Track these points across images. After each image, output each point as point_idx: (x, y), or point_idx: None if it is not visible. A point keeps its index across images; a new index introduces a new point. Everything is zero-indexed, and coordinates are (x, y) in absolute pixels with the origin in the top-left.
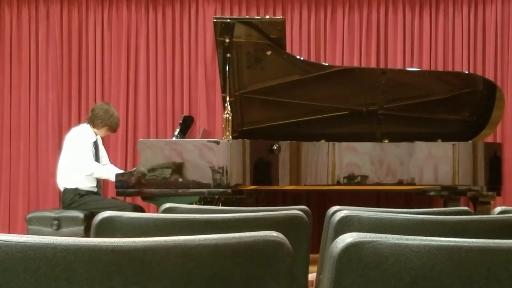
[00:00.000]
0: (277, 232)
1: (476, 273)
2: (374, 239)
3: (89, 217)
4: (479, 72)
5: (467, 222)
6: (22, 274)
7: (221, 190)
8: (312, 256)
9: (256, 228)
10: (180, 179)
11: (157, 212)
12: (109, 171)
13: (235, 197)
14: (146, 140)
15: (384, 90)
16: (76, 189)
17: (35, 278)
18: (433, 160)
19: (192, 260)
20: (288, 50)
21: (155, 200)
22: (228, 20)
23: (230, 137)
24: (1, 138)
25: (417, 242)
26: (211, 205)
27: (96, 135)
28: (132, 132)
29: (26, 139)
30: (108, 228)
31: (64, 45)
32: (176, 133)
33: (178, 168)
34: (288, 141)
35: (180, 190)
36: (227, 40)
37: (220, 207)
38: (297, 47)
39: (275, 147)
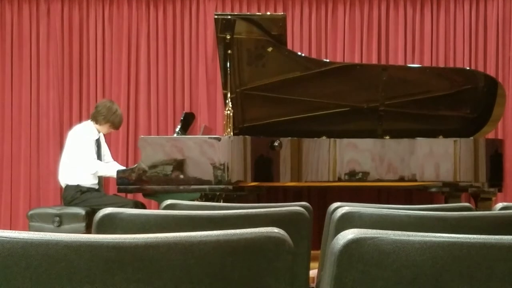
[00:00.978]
0: (278, 229)
1: (478, 270)
2: (375, 235)
3: (91, 213)
4: (480, 69)
5: (468, 219)
6: (23, 270)
7: (222, 186)
8: (313, 252)
9: (257, 224)
10: (181, 176)
11: (158, 208)
12: (112, 169)
13: (236, 194)
14: (147, 137)
15: (385, 86)
16: (78, 185)
17: (37, 274)
18: (434, 157)
19: (194, 256)
20: (289, 46)
21: (156, 196)
22: (229, 17)
23: (231, 133)
24: (2, 135)
25: (418, 238)
26: (212, 201)
27: (99, 132)
28: (133, 129)
29: (27, 136)
30: (110, 224)
31: (65, 43)
32: (177, 129)
33: (179, 165)
34: (289, 138)
35: (181, 187)
36: (228, 37)
37: (221, 204)
38: (298, 43)
39: (276, 144)
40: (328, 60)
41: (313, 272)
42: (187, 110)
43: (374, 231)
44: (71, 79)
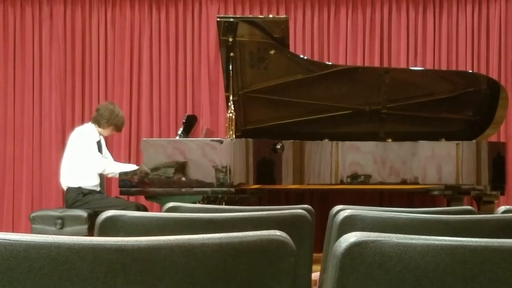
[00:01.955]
0: (280, 231)
1: (480, 273)
2: (378, 238)
3: (93, 216)
4: (483, 71)
5: (470, 222)
6: (25, 273)
7: (224, 189)
8: (315, 255)
9: (260, 227)
10: (183, 178)
11: (160, 211)
12: (120, 166)
13: (238, 196)
14: (149, 139)
15: (387, 89)
16: (79, 188)
17: (39, 277)
18: (437, 160)
19: (196, 259)
20: (291, 49)
21: (158, 199)
22: (232, 19)
23: (234, 136)
24: (4, 137)
25: (421, 241)
26: (214, 204)
27: (100, 135)
28: (136, 131)
29: (29, 138)
30: (112, 227)
31: (67, 45)
32: (179, 132)
33: (181, 167)
34: (291, 140)
35: (183, 189)
36: (231, 39)
37: (223, 206)
38: (301, 46)
39: (278, 146)
40: (330, 63)
41: (315, 275)
42: (189, 112)
43: (377, 234)
44: (73, 81)
